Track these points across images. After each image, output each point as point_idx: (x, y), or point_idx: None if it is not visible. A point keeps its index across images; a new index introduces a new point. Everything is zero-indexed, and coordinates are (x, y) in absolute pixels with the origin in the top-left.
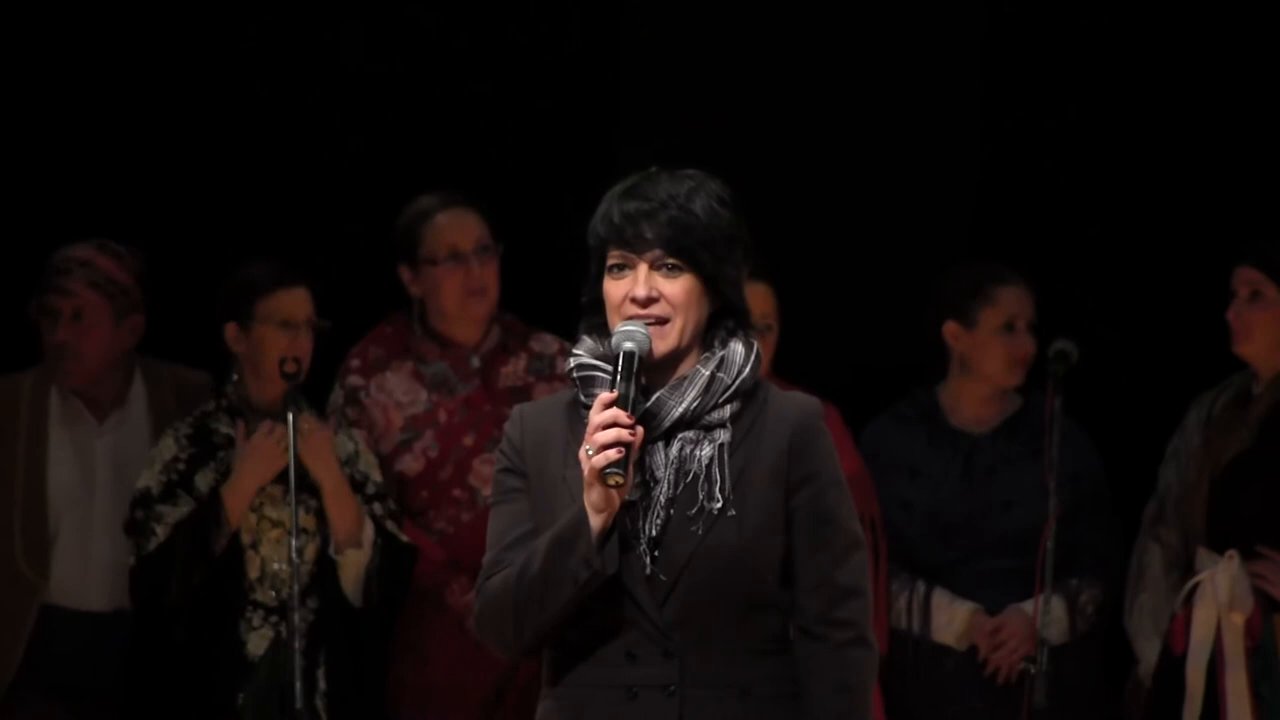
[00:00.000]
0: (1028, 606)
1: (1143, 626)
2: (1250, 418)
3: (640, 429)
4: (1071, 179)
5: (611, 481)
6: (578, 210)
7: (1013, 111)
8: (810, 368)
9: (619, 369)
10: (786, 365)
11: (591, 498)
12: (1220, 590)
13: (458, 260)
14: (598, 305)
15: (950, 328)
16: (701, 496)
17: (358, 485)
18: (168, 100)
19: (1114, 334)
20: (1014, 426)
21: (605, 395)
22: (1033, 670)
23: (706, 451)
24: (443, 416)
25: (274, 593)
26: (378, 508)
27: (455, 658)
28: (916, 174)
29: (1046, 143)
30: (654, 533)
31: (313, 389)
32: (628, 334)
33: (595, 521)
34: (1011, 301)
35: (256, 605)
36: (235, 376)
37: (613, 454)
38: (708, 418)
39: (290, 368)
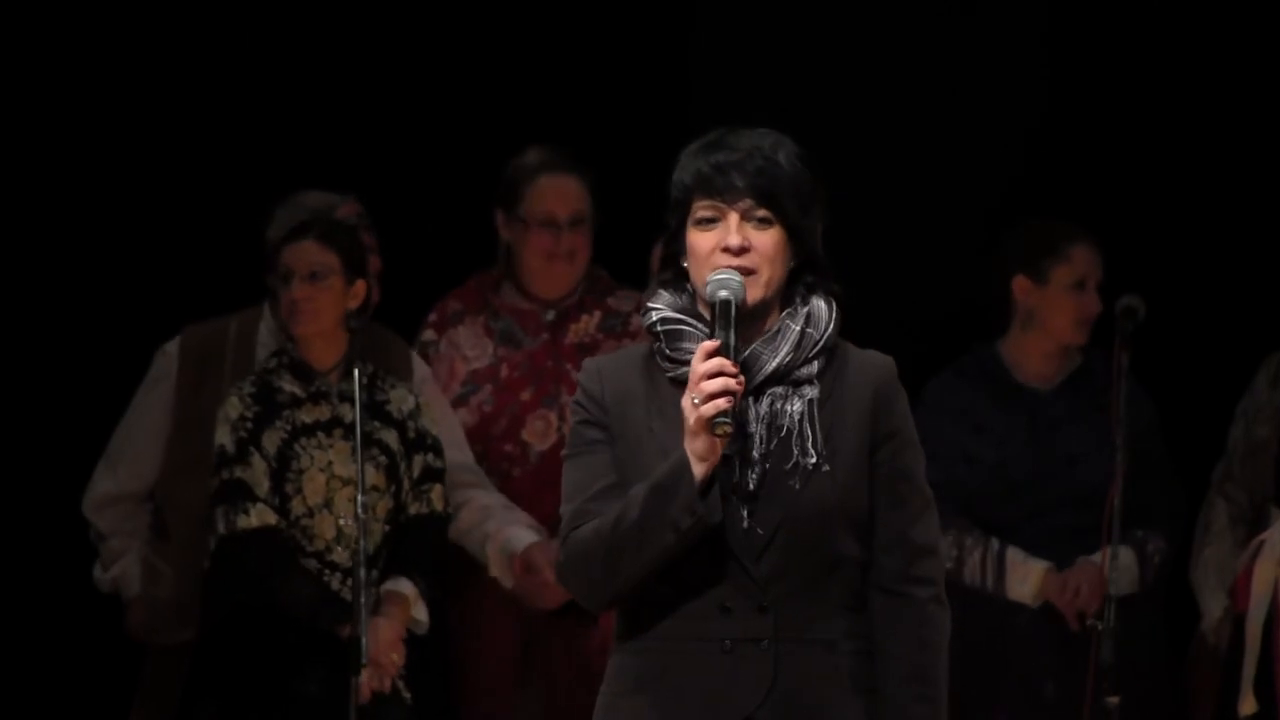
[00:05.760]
0: (1097, 558)
1: (1207, 581)
2: None
3: (743, 377)
4: (1140, 135)
5: (719, 430)
6: (650, 170)
7: (1079, 65)
8: (867, 322)
9: (717, 317)
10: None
11: (696, 447)
12: (1275, 547)
13: (550, 227)
14: (675, 259)
15: (1020, 283)
16: (796, 452)
17: (415, 441)
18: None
19: (1183, 292)
20: (1077, 383)
21: (708, 344)
22: (1099, 627)
23: (797, 407)
24: (505, 371)
25: (350, 552)
26: (431, 459)
27: (490, 609)
28: (981, 129)
29: (1114, 96)
30: (751, 486)
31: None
32: (722, 282)
33: (698, 470)
34: (1083, 260)
35: (334, 567)
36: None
37: (722, 403)
38: (797, 373)
39: (352, 323)
